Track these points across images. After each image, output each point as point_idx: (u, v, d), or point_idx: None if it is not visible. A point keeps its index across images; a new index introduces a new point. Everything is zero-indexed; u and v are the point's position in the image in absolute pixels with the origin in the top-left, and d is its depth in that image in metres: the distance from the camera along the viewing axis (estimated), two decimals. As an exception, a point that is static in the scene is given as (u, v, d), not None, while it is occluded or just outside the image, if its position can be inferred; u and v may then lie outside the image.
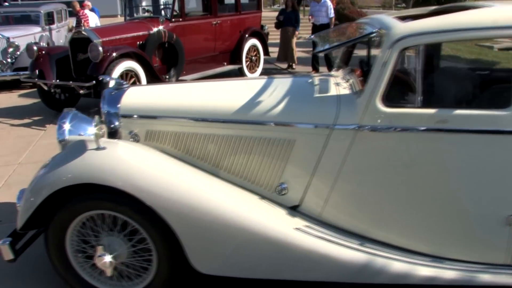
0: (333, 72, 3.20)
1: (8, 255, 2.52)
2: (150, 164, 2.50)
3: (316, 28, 9.66)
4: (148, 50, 7.23)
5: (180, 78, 7.87)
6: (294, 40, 10.59)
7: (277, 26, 10.71)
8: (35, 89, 7.65)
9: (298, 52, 10.85)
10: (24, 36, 9.70)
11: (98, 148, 2.42)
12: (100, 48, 6.34)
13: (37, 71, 7.02)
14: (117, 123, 2.84)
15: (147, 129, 2.79)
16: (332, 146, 2.47)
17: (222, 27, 8.83)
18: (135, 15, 8.70)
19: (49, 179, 2.42)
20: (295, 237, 2.38)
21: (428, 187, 2.37)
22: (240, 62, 9.31)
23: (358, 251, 2.39)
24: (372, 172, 2.45)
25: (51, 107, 7.37)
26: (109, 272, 2.47)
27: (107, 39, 6.84)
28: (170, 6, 8.13)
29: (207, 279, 2.51)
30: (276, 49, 10.84)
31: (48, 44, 9.91)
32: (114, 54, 6.48)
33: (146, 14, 8.58)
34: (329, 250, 2.37)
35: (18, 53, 9.34)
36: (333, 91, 2.65)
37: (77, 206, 2.46)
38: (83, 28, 7.82)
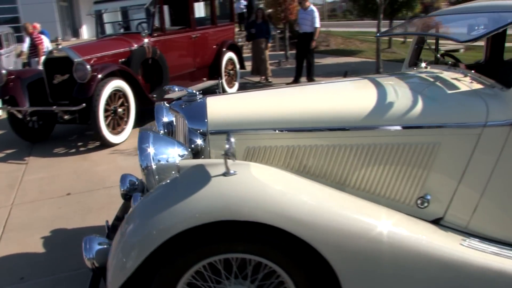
0: (422, 69, 2.87)
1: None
2: (295, 189, 1.97)
3: (300, 37, 9.41)
4: (132, 67, 6.59)
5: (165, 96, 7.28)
6: (267, 52, 10.30)
7: (249, 38, 10.38)
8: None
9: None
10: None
11: (227, 174, 1.88)
12: (88, 67, 5.66)
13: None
14: (200, 141, 2.32)
15: (247, 145, 2.27)
16: (483, 146, 2.12)
17: (201, 40, 8.34)
18: (107, 32, 8.00)
19: (160, 222, 1.81)
20: (466, 254, 1.98)
21: None
22: (219, 76, 8.84)
23: None
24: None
25: (24, 137, 6.53)
26: None
27: (88, 57, 6.15)
28: (145, 20, 7.55)
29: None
30: (248, 63, 10.50)
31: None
32: (101, 74, 5.82)
33: (121, 30, 7.91)
34: (503, 265, 1.99)
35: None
36: (464, 87, 2.31)
37: (191, 254, 1.88)
38: (46, 50, 7.07)
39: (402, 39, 18.63)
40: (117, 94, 6.16)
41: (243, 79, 10.95)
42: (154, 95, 6.95)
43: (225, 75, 9.13)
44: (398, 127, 2.17)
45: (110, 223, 2.78)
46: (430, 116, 2.16)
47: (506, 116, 2.07)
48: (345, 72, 10.44)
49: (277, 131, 2.25)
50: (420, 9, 16.11)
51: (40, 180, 5.12)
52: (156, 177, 2.17)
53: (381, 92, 2.34)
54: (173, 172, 2.15)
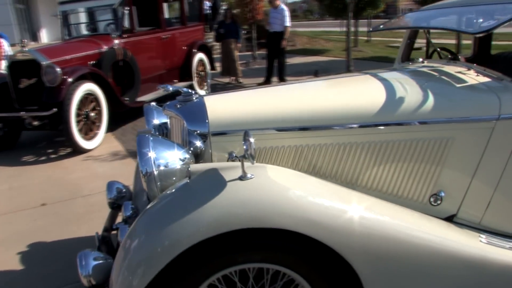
0: (419, 64, 2.83)
1: None
2: (316, 192, 1.83)
3: (270, 36, 9.32)
4: (103, 70, 6.33)
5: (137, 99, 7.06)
6: (237, 53, 10.18)
7: (218, 39, 10.23)
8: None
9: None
10: None
11: (243, 178, 1.75)
12: (59, 70, 5.39)
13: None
14: (200, 144, 2.18)
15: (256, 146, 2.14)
16: (497, 140, 2.08)
17: (171, 41, 8.13)
18: (74, 34, 7.67)
19: (171, 235, 1.64)
20: (486, 251, 1.93)
21: None
22: (191, 78, 8.65)
23: None
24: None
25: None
26: None
27: (57, 60, 5.84)
28: (115, 21, 7.29)
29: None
30: (218, 64, 10.34)
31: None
32: (72, 77, 5.55)
33: (89, 32, 7.61)
34: None
35: None
36: (472, 81, 2.27)
37: (205, 267, 1.73)
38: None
39: (366, 38, 18.92)
40: (89, 98, 5.90)
41: (213, 80, 10.80)
42: (126, 98, 6.71)
43: (196, 76, 8.94)
44: (410, 123, 2.10)
45: (99, 234, 2.59)
46: (442, 111, 2.11)
47: None
48: (315, 71, 10.48)
49: (284, 130, 2.13)
50: (382, 8, 16.39)
51: (9, 191, 4.82)
52: (158, 183, 2.01)
53: (389, 87, 2.26)
54: (174, 178, 2.00)
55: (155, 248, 1.65)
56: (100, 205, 4.04)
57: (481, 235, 2.07)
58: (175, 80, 8.38)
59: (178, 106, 2.34)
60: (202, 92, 8.92)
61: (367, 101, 2.17)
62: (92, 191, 4.59)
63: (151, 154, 2.00)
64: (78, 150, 5.78)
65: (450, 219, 2.17)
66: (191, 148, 2.16)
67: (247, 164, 1.74)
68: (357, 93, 2.32)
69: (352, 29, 12.06)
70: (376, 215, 1.81)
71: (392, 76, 2.46)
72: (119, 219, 2.65)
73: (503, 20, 2.01)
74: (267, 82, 9.61)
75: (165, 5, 8.46)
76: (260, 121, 2.16)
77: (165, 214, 1.74)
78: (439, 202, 2.16)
